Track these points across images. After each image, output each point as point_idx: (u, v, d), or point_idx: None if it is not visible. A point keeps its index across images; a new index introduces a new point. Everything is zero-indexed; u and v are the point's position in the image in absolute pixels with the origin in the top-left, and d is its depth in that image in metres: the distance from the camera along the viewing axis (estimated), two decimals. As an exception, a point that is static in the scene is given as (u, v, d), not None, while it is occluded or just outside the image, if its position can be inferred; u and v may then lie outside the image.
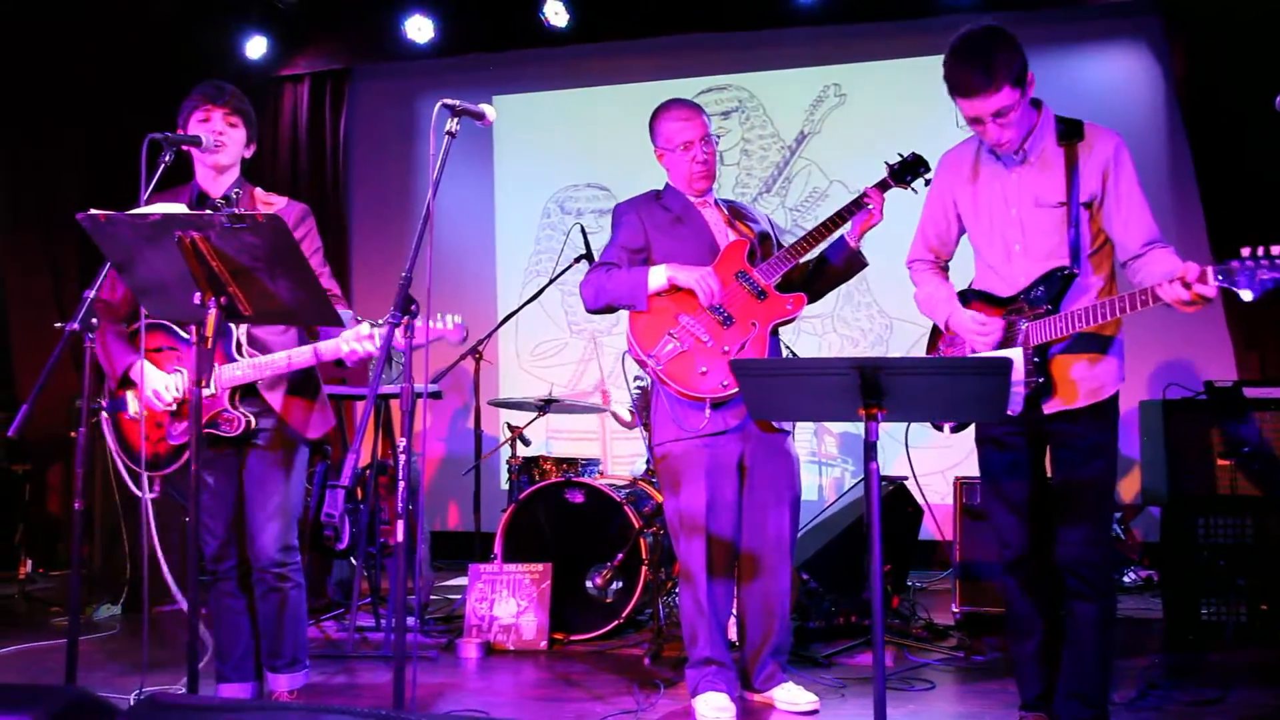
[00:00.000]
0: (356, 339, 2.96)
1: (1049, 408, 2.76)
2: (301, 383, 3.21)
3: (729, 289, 3.30)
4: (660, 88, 6.42)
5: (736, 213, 3.51)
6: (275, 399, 3.14)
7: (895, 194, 3.36)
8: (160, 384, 3.08)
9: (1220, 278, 2.42)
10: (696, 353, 3.25)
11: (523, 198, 7.00)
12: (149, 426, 3.12)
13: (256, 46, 6.84)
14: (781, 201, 6.54)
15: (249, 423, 3.08)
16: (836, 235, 3.36)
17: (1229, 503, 4.09)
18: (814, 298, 3.49)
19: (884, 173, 3.36)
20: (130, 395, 3.15)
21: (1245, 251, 2.41)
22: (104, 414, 3.16)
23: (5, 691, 1.65)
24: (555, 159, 6.93)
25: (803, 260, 3.38)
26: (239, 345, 3.08)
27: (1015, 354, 2.72)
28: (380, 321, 2.94)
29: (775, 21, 6.27)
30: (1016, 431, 2.84)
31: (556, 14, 6.34)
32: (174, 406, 3.07)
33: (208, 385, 2.55)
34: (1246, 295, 2.42)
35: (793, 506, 3.36)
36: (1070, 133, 2.78)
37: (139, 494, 3.10)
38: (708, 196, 3.46)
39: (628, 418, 4.90)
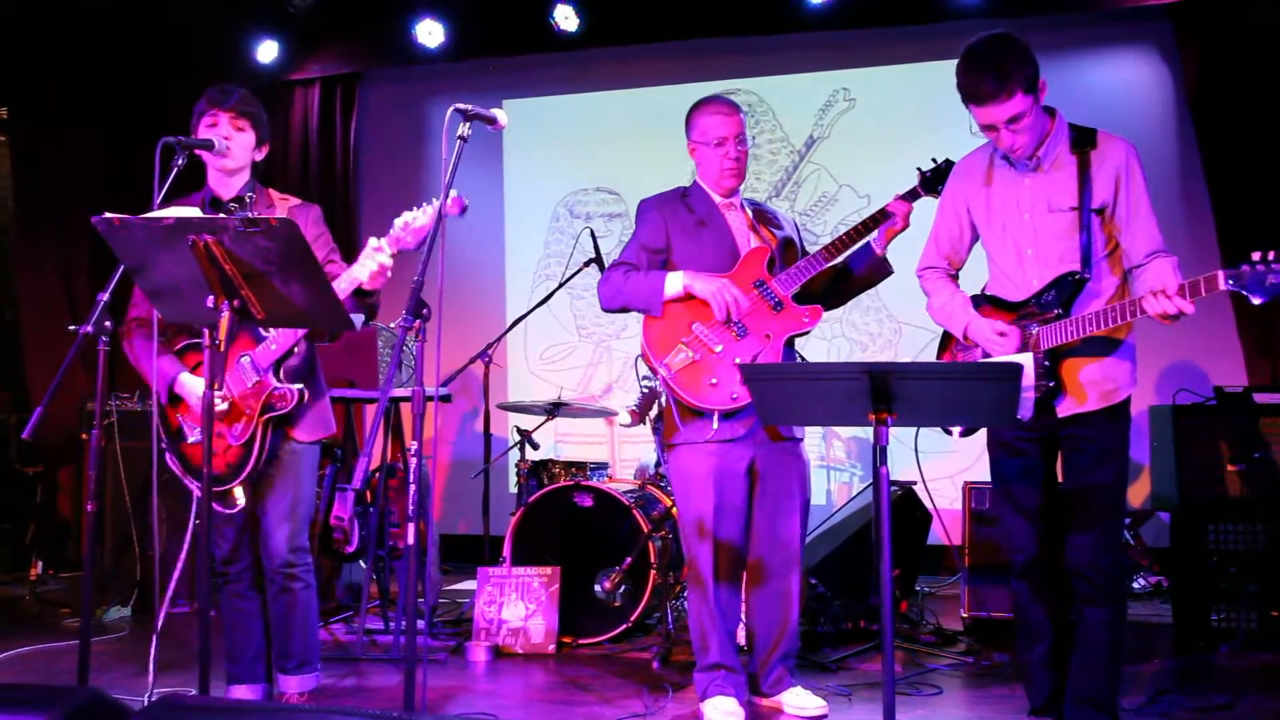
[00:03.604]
0: (370, 257, 2.93)
1: (1063, 410, 2.77)
2: (308, 381, 3.21)
3: (746, 299, 3.30)
4: (669, 92, 6.44)
5: (762, 216, 3.48)
6: None
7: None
8: (201, 389, 3.07)
9: (1230, 282, 2.45)
10: (708, 363, 3.25)
11: (532, 201, 7.02)
12: (203, 442, 3.11)
13: (268, 50, 6.87)
14: (790, 205, 6.55)
15: (302, 394, 3.07)
16: (860, 244, 3.36)
17: (1239, 508, 4.08)
18: (836, 304, 3.49)
19: (914, 180, 3.33)
20: (184, 420, 3.15)
21: (1256, 256, 2.43)
22: (167, 453, 3.15)
23: (21, 692, 1.66)
24: (564, 163, 6.94)
25: (821, 270, 3.37)
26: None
27: (1025, 359, 2.72)
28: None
29: (784, 26, 6.28)
30: (1028, 436, 2.85)
31: (566, 18, 6.36)
32: (222, 407, 3.07)
33: (221, 388, 2.56)
34: (1256, 300, 2.45)
35: (803, 512, 3.35)
36: (1083, 140, 2.79)
37: (223, 510, 3.08)
38: (734, 198, 3.44)
39: (628, 420, 4.92)
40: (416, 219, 2.93)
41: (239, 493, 3.09)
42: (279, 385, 3.06)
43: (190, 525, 3.13)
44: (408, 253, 2.96)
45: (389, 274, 2.99)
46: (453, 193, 2.84)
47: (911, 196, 3.32)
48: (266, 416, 3.06)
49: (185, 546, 3.15)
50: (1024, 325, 2.81)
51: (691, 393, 3.24)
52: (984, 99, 2.70)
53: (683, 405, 3.29)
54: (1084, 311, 2.71)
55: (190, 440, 3.14)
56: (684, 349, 3.26)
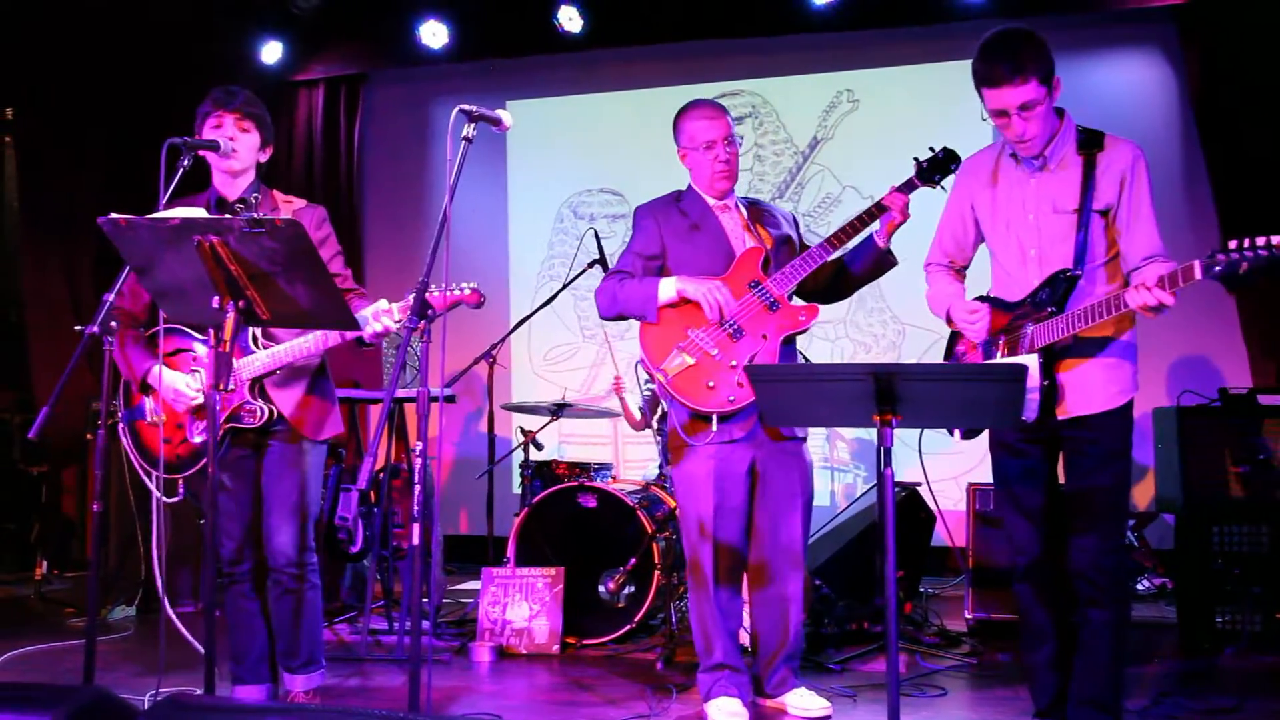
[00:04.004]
0: (376, 317, 2.95)
1: (1061, 413, 2.76)
2: (314, 383, 3.22)
3: (741, 300, 3.30)
4: (673, 93, 6.43)
5: (758, 215, 3.47)
6: (286, 399, 3.15)
7: (916, 195, 3.31)
8: (180, 384, 3.11)
9: (1213, 269, 2.43)
10: (704, 366, 3.25)
11: (536, 202, 7.02)
12: (169, 429, 3.15)
13: (272, 51, 6.87)
14: (794, 207, 6.54)
15: (271, 414, 3.10)
16: (860, 238, 3.36)
17: (1244, 510, 4.08)
18: (840, 296, 3.49)
19: (910, 171, 3.31)
20: (148, 401, 3.17)
21: (1233, 244, 2.42)
22: (121, 423, 3.19)
23: (27, 691, 1.66)
24: (568, 164, 6.95)
25: (817, 268, 3.37)
26: (255, 338, 3.11)
27: (1030, 360, 2.72)
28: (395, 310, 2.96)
29: (789, 27, 6.28)
30: (1031, 438, 2.85)
31: (570, 20, 6.36)
32: (197, 401, 3.09)
33: (226, 387, 2.57)
34: (1232, 289, 2.45)
35: (804, 512, 3.36)
36: (1091, 142, 2.79)
37: (162, 499, 3.12)
38: (728, 199, 3.45)
39: (637, 416, 4.93)
40: (435, 302, 2.87)
41: (180, 485, 3.15)
42: (250, 401, 3.09)
43: (155, 512, 3.16)
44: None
45: (390, 334, 3.01)
46: (472, 285, 2.86)
47: (908, 188, 3.30)
48: (230, 425, 3.09)
49: (156, 541, 3.18)
50: (1021, 325, 2.81)
51: (689, 396, 3.25)
52: (998, 81, 2.70)
53: (682, 412, 3.29)
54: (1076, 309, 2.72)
55: (146, 420, 3.16)
56: (680, 354, 3.27)
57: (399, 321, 2.95)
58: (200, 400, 3.08)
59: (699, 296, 3.25)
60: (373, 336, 2.98)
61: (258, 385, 3.11)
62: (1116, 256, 2.80)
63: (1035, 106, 2.71)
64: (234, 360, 3.06)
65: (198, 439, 3.12)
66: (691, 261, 3.36)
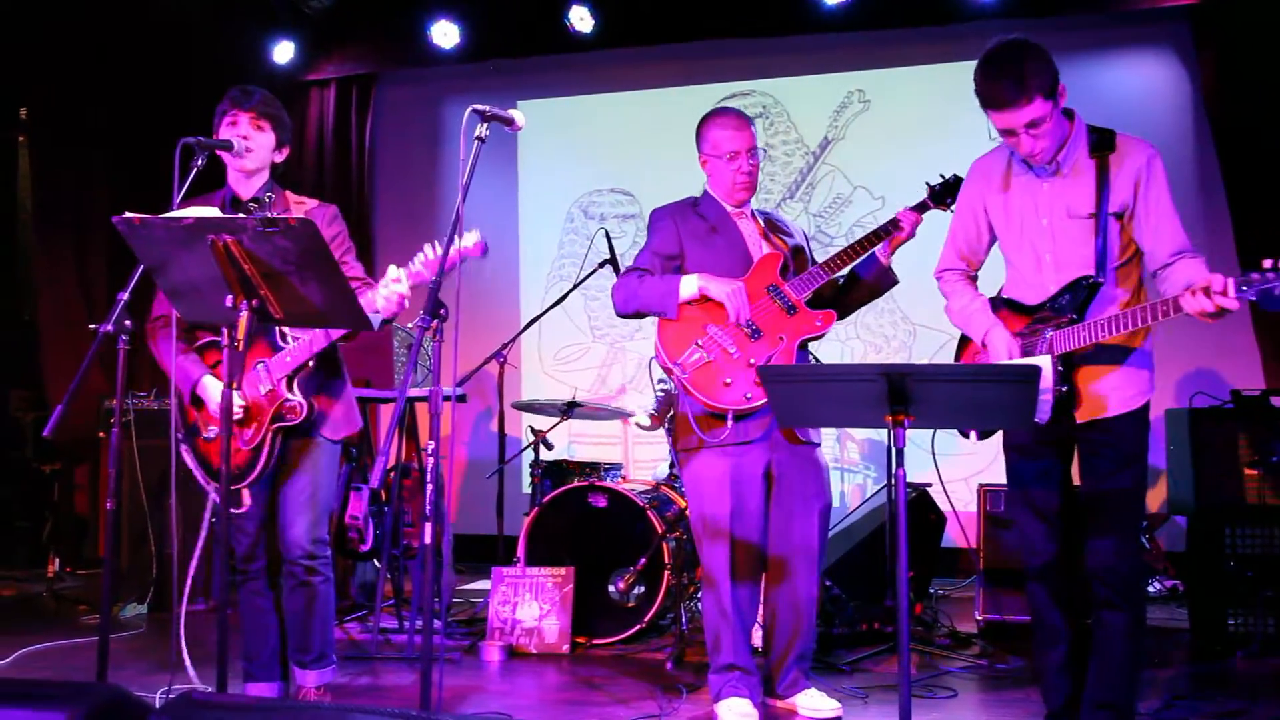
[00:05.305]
0: (386, 286, 2.95)
1: (1081, 416, 2.75)
2: (328, 381, 3.23)
3: (759, 302, 3.31)
4: (684, 93, 6.45)
5: (772, 225, 3.52)
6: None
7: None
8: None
9: (1243, 289, 2.42)
10: (722, 364, 3.26)
11: (546, 203, 7.03)
12: (221, 440, 3.14)
13: (284, 51, 6.90)
14: (805, 207, 6.54)
15: (310, 408, 3.10)
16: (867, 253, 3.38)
17: (1256, 513, 4.06)
18: (843, 314, 3.50)
19: (923, 193, 3.39)
20: (200, 418, 3.17)
21: (1267, 263, 2.40)
22: (182, 444, 3.17)
23: (42, 688, 1.67)
24: (579, 164, 6.96)
25: (834, 276, 3.39)
26: (283, 334, 3.11)
27: (1044, 361, 2.71)
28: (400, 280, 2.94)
29: (800, 27, 6.28)
30: (1047, 440, 2.84)
31: (581, 20, 6.37)
32: (241, 414, 3.08)
33: (240, 388, 2.58)
34: (1266, 309, 2.42)
35: (822, 515, 3.35)
36: (1103, 144, 2.78)
37: (232, 510, 3.09)
38: (745, 207, 3.47)
39: (647, 422, 4.92)
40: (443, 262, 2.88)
41: (246, 494, 3.12)
42: (290, 398, 3.09)
43: (205, 524, 3.15)
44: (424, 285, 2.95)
45: (406, 304, 3.00)
46: (476, 235, 2.85)
47: (921, 209, 3.38)
48: (276, 426, 3.09)
49: (200, 545, 3.18)
50: (1038, 329, 2.80)
51: (706, 392, 3.25)
52: (1002, 104, 2.69)
53: (698, 409, 3.30)
54: (1098, 316, 2.70)
55: (204, 437, 3.16)
56: (698, 350, 3.28)
57: (412, 288, 2.95)
58: (241, 413, 3.07)
59: (723, 296, 3.26)
60: (387, 309, 2.97)
61: (293, 381, 3.11)
62: (1132, 258, 2.79)
63: (1042, 123, 2.70)
64: (265, 359, 3.08)
65: (248, 447, 3.09)
66: (710, 264, 3.37)
